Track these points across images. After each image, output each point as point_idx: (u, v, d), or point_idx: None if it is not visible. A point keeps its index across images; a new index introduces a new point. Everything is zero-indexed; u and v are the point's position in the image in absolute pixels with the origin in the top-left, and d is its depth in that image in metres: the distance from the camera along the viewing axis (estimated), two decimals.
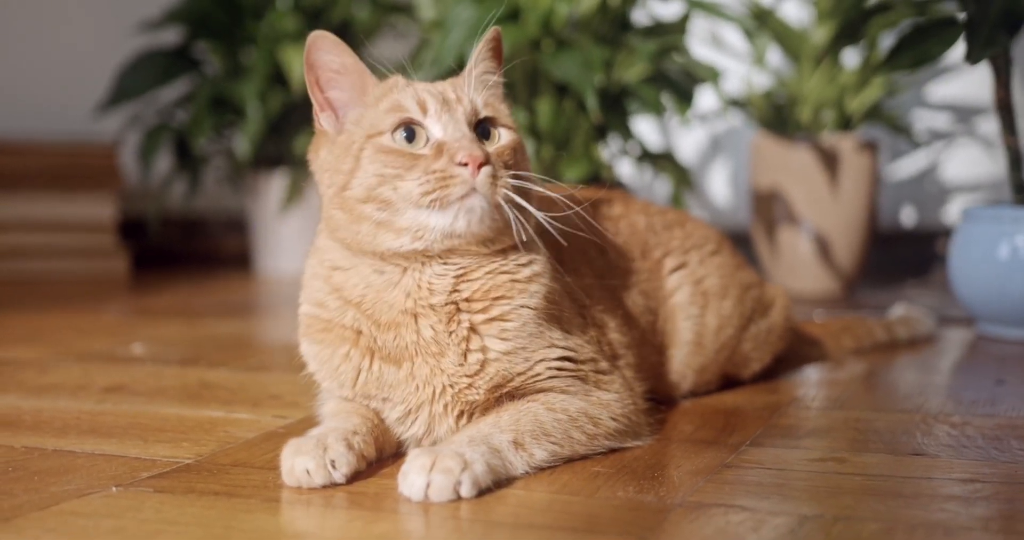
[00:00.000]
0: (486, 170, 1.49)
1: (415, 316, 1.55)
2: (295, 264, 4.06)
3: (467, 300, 1.56)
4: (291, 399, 2.01)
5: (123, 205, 4.30)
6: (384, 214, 1.50)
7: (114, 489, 1.45)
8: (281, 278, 3.98)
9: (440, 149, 1.50)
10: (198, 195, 4.22)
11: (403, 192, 1.49)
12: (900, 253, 4.01)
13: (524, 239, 1.56)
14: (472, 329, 1.55)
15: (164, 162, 4.31)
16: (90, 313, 3.14)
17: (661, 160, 3.34)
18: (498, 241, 1.56)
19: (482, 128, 1.57)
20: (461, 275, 1.56)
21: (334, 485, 1.45)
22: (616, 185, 3.14)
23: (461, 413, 1.57)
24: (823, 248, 3.50)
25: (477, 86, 1.60)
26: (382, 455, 1.59)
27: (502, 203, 1.51)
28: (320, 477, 1.44)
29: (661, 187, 4.09)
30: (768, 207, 3.56)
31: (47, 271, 3.92)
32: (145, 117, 4.11)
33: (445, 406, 1.56)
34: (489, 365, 1.55)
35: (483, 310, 1.56)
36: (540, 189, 1.58)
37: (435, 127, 1.53)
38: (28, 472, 1.53)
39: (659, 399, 1.88)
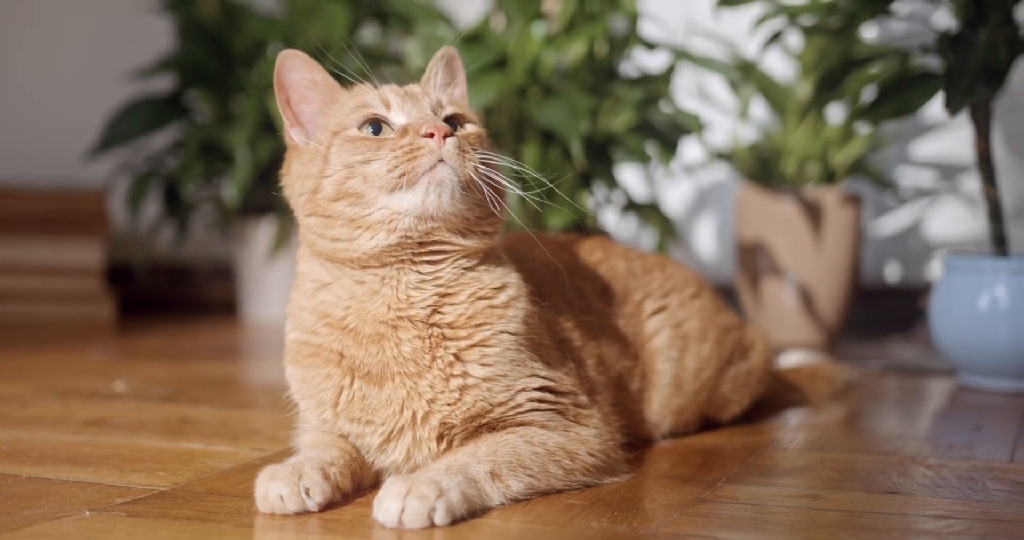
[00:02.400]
0: (452, 141, 1.49)
1: (395, 328, 1.54)
2: (282, 311, 4.05)
3: (451, 326, 1.56)
4: (270, 434, 2.01)
5: (111, 251, 4.30)
6: (356, 209, 1.50)
7: (87, 513, 1.45)
8: (268, 325, 3.98)
9: (405, 129, 1.51)
10: (186, 242, 4.22)
11: (371, 177, 1.49)
12: (884, 308, 4.03)
13: (497, 212, 1.57)
14: (456, 355, 1.56)
15: (152, 208, 4.32)
16: (74, 354, 3.13)
17: (646, 210, 3.36)
18: (474, 229, 1.56)
19: (449, 123, 1.56)
20: (445, 295, 1.56)
21: (307, 513, 1.45)
22: (601, 234, 3.16)
23: (441, 437, 1.57)
24: (806, 300, 3.52)
25: (441, 88, 1.63)
26: (358, 488, 1.58)
27: (472, 176, 1.51)
28: (293, 504, 1.44)
29: (647, 238, 4.11)
30: (752, 258, 3.58)
31: (33, 315, 3.92)
32: (134, 163, 4.13)
33: (426, 431, 1.56)
34: (469, 391, 1.55)
35: (467, 337, 1.56)
36: (504, 181, 1.59)
37: (399, 117, 1.54)
38: (2, 496, 1.53)
39: (636, 440, 1.89)
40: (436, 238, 1.54)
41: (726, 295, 2.55)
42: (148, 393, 2.46)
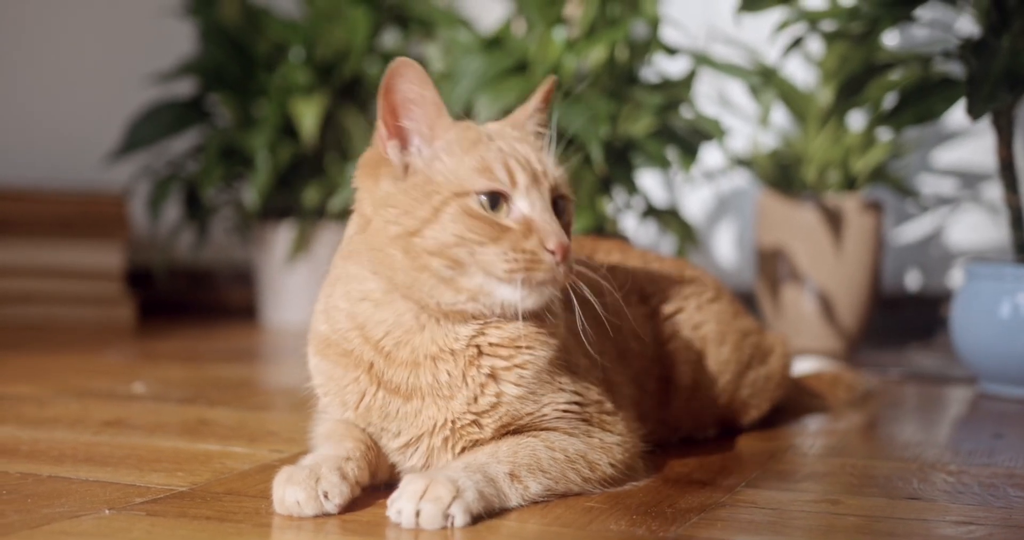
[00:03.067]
0: (566, 262, 1.49)
1: (435, 360, 1.54)
2: (301, 316, 4.06)
3: (492, 345, 1.55)
4: (288, 436, 2.01)
5: (131, 254, 4.31)
6: (451, 273, 1.48)
7: (107, 512, 1.45)
8: (287, 330, 3.99)
9: (529, 227, 1.49)
10: (206, 246, 4.24)
11: (482, 260, 1.47)
12: (905, 316, 4.01)
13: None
14: (492, 375, 1.55)
15: (173, 212, 4.33)
16: (93, 355, 3.14)
17: (666, 216, 3.36)
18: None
19: (558, 205, 1.56)
20: (486, 323, 1.55)
21: (326, 515, 1.45)
22: (620, 239, 3.16)
23: (463, 450, 1.56)
24: (826, 307, 3.51)
25: (552, 157, 1.60)
26: (375, 479, 1.58)
27: (568, 288, 1.53)
28: (311, 508, 1.43)
29: (666, 244, 4.11)
30: (772, 265, 3.57)
31: (53, 317, 3.93)
32: (155, 167, 4.14)
33: (445, 440, 1.56)
34: (500, 408, 1.55)
35: (507, 357, 1.55)
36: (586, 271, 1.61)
37: (522, 202, 1.50)
38: (21, 495, 1.53)
39: (654, 443, 1.88)
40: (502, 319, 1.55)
41: (746, 302, 2.54)
42: (166, 395, 2.47)
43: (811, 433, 2.20)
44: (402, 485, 1.41)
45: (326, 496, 1.44)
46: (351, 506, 1.48)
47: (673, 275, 2.06)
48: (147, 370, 2.91)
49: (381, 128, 1.54)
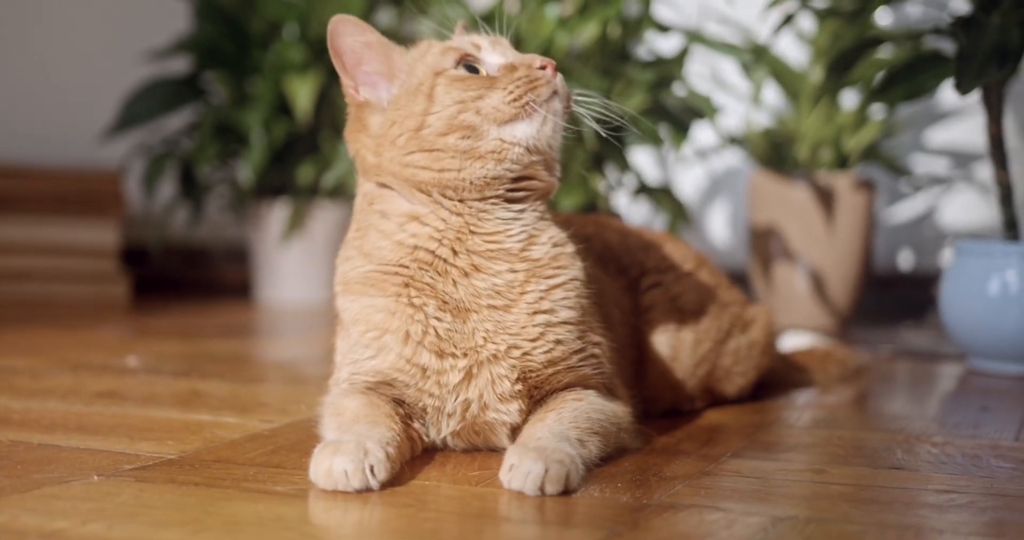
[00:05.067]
0: (560, 75, 1.58)
1: (490, 259, 1.59)
2: (296, 294, 4.08)
3: (537, 264, 1.60)
4: (280, 407, 2.02)
5: (126, 231, 4.33)
6: (467, 142, 1.55)
7: (95, 478, 1.47)
8: (282, 307, 4.00)
9: (511, 66, 1.58)
10: (200, 223, 4.24)
11: (487, 109, 1.54)
12: (896, 295, 4.03)
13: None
14: (544, 293, 1.60)
15: (167, 190, 4.34)
16: (88, 331, 3.15)
17: (659, 194, 3.37)
18: (552, 165, 1.63)
19: None
20: (532, 235, 1.61)
21: (368, 491, 1.42)
22: (612, 216, 3.17)
23: (518, 379, 1.59)
24: (818, 285, 3.52)
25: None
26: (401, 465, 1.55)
27: (572, 109, 1.61)
28: (357, 480, 1.40)
29: (659, 222, 4.12)
30: (765, 243, 3.59)
31: (48, 294, 3.95)
32: (150, 144, 4.15)
33: (507, 367, 1.58)
34: (552, 329, 1.59)
35: (551, 276, 1.61)
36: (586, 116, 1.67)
37: (492, 57, 1.61)
38: (11, 461, 1.55)
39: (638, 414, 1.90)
40: (530, 172, 1.60)
41: (738, 280, 2.56)
42: (160, 368, 2.48)
43: (799, 406, 2.21)
44: (515, 454, 1.43)
45: (372, 471, 1.41)
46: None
47: (651, 247, 2.08)
48: (141, 345, 2.92)
49: (345, 82, 1.63)
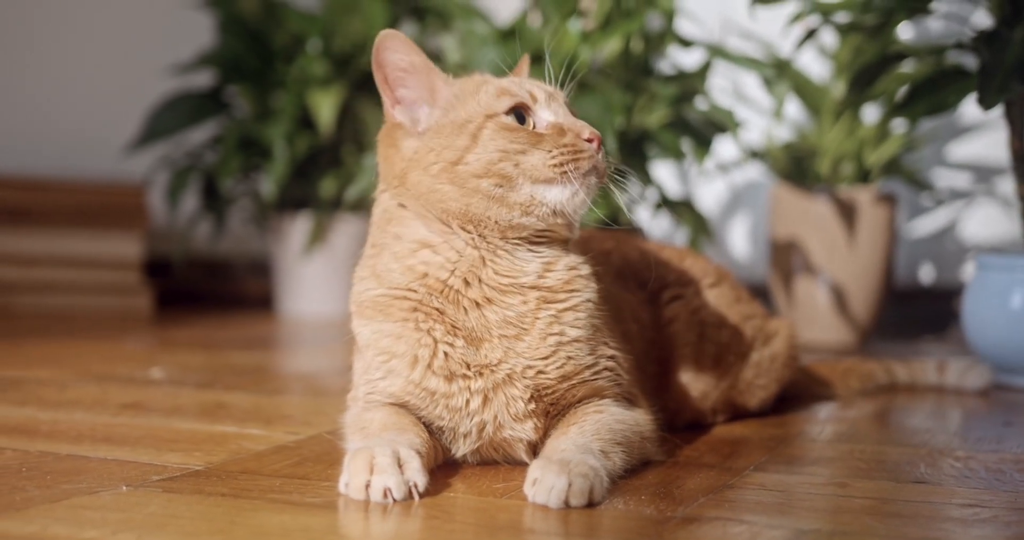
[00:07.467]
0: (602, 152, 1.59)
1: (503, 293, 1.59)
2: (317, 306, 4.10)
3: (551, 290, 1.61)
4: (304, 419, 2.04)
5: (149, 244, 4.35)
6: (500, 190, 1.55)
7: (124, 488, 1.48)
8: (304, 320, 4.01)
9: (560, 129, 1.58)
10: (223, 236, 4.27)
11: (527, 167, 1.55)
12: (918, 310, 4.02)
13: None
14: (555, 316, 1.60)
15: (191, 203, 4.37)
16: (112, 343, 3.18)
17: (680, 208, 3.38)
18: (572, 231, 1.64)
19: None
20: (547, 263, 1.62)
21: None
22: (633, 230, 3.18)
23: (531, 398, 1.60)
24: (839, 299, 3.52)
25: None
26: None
27: (607, 182, 1.61)
28: (399, 494, 1.41)
29: (680, 236, 4.13)
30: (786, 257, 3.59)
31: (73, 306, 3.97)
32: (174, 158, 4.18)
33: (520, 387, 1.59)
34: (563, 348, 1.60)
35: (564, 300, 1.62)
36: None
37: (545, 112, 1.60)
38: (41, 472, 1.56)
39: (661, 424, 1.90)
40: (554, 231, 1.62)
41: (759, 294, 2.56)
42: (184, 379, 2.50)
43: (821, 420, 2.21)
44: (539, 468, 1.43)
45: (416, 487, 1.43)
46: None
47: (672, 262, 2.09)
48: (165, 357, 2.94)
49: (385, 98, 1.63)
